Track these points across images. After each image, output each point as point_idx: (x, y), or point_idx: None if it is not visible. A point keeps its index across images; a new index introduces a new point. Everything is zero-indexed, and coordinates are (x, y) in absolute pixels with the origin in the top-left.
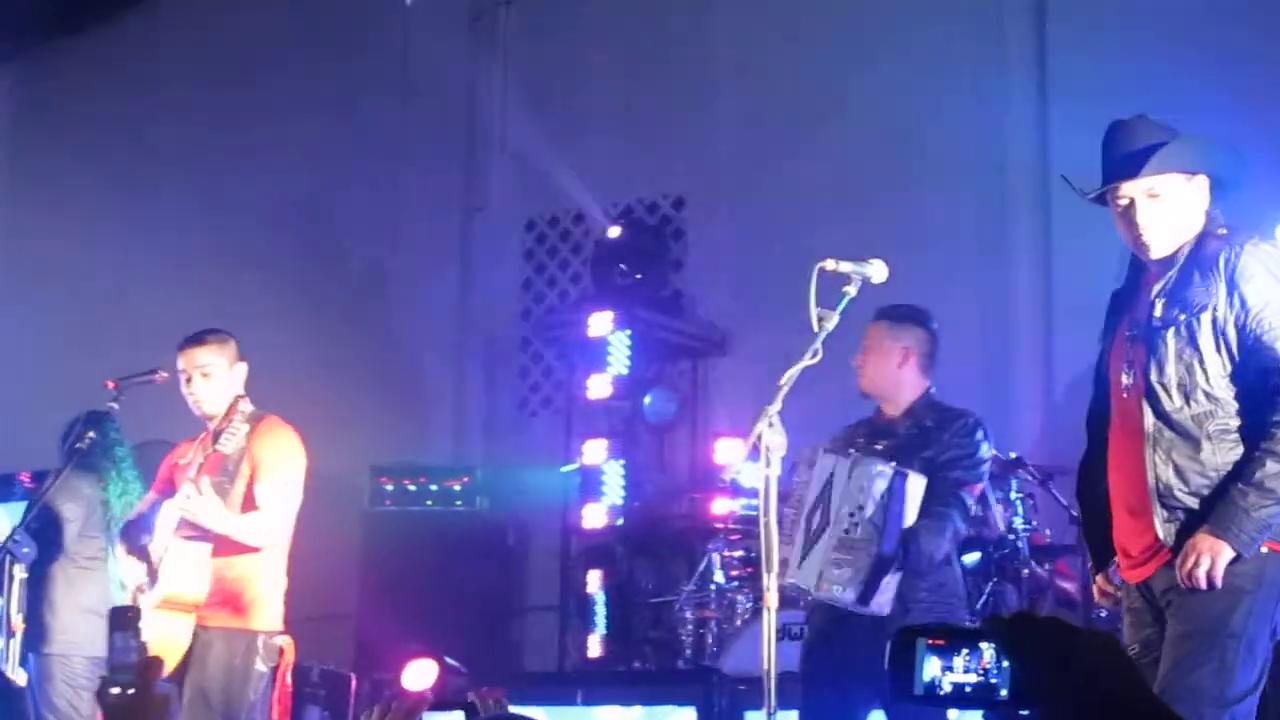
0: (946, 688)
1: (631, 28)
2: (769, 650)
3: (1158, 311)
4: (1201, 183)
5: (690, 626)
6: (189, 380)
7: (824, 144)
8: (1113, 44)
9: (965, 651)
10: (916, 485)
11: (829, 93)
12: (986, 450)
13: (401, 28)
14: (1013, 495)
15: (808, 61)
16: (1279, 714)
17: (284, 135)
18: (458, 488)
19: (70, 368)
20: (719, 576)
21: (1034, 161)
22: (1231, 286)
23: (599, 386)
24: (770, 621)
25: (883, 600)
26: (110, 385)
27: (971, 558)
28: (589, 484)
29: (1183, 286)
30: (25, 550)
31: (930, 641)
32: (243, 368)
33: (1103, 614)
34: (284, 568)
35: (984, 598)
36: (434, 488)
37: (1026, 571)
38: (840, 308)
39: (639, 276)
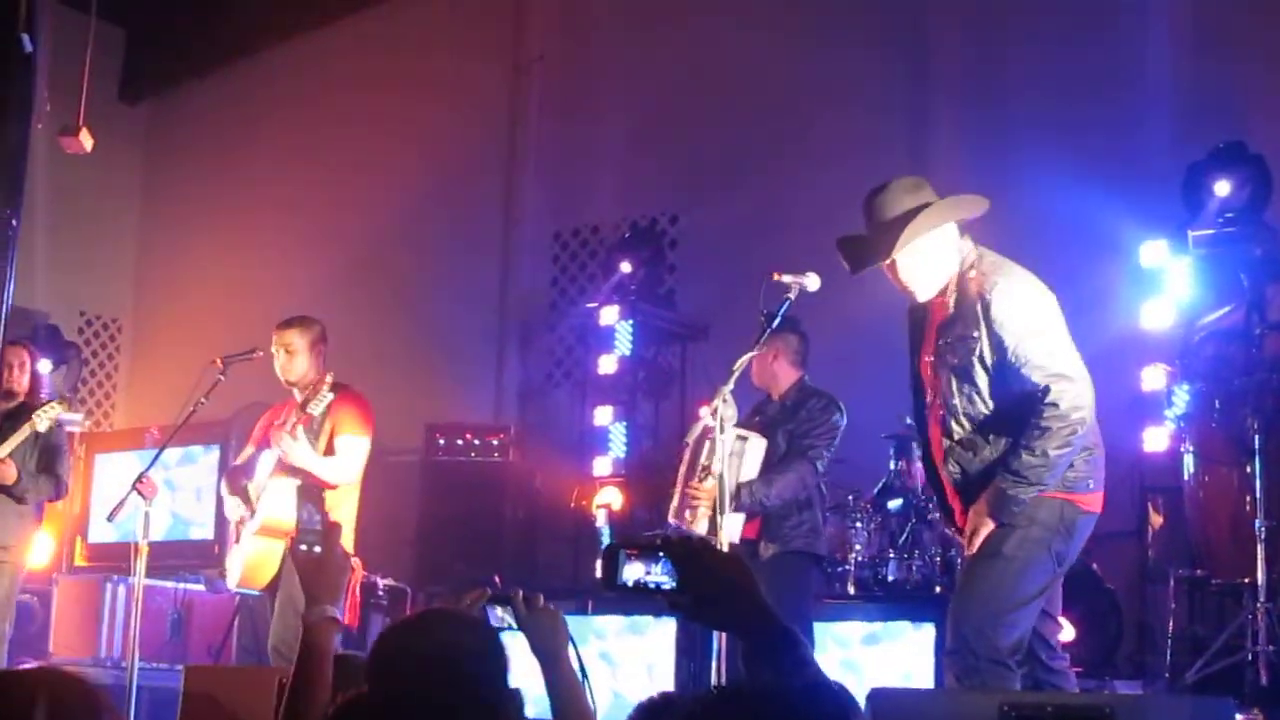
0: (641, 583)
1: (638, 79)
2: None
3: (941, 353)
4: (948, 229)
5: None
6: (276, 353)
7: (789, 171)
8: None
9: (651, 559)
10: (755, 447)
11: (795, 128)
12: (837, 421)
13: (456, 76)
14: None
15: (776, 102)
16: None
17: (364, 165)
18: (496, 442)
19: (192, 345)
20: (670, 519)
21: (955, 177)
22: (991, 332)
23: (608, 364)
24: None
25: (730, 533)
26: (217, 363)
27: (896, 503)
28: (598, 441)
29: (955, 330)
30: (150, 489)
31: (628, 551)
32: (321, 349)
33: None
34: (356, 504)
35: (905, 535)
36: (477, 442)
37: (937, 515)
38: (781, 310)
39: (641, 278)
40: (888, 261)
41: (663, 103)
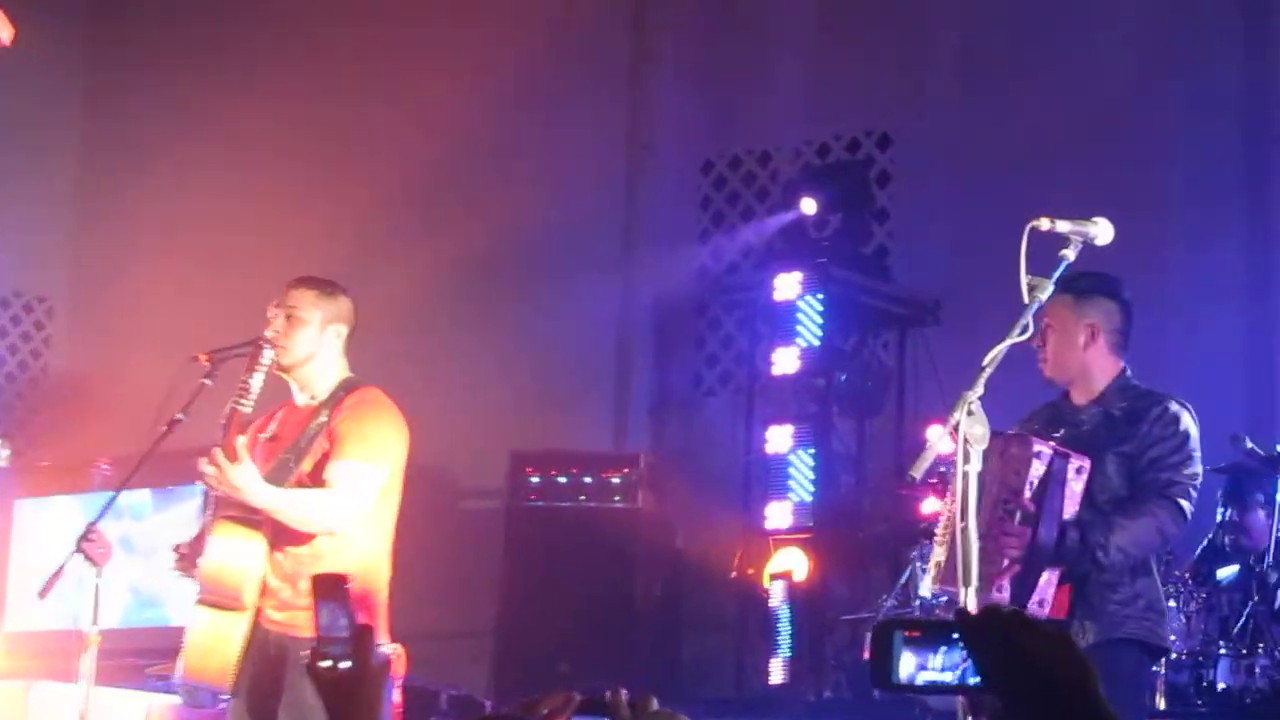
0: (920, 680)
1: None
2: None
3: None
4: None
5: None
6: (273, 319)
7: (1060, 77)
8: None
9: (942, 646)
10: (1080, 471)
11: (1066, 19)
12: (1196, 440)
13: None
14: (1279, 497)
15: None
16: None
17: (417, 70)
18: (617, 480)
19: (160, 338)
20: (926, 589)
21: None
22: None
23: (786, 361)
24: None
25: (1044, 599)
26: (202, 359)
27: (1227, 572)
28: (773, 477)
29: None
30: (101, 550)
31: (907, 634)
32: (342, 331)
33: None
34: (383, 564)
35: (1242, 620)
36: (589, 480)
37: None
38: (1056, 275)
39: (835, 229)
40: None
41: None
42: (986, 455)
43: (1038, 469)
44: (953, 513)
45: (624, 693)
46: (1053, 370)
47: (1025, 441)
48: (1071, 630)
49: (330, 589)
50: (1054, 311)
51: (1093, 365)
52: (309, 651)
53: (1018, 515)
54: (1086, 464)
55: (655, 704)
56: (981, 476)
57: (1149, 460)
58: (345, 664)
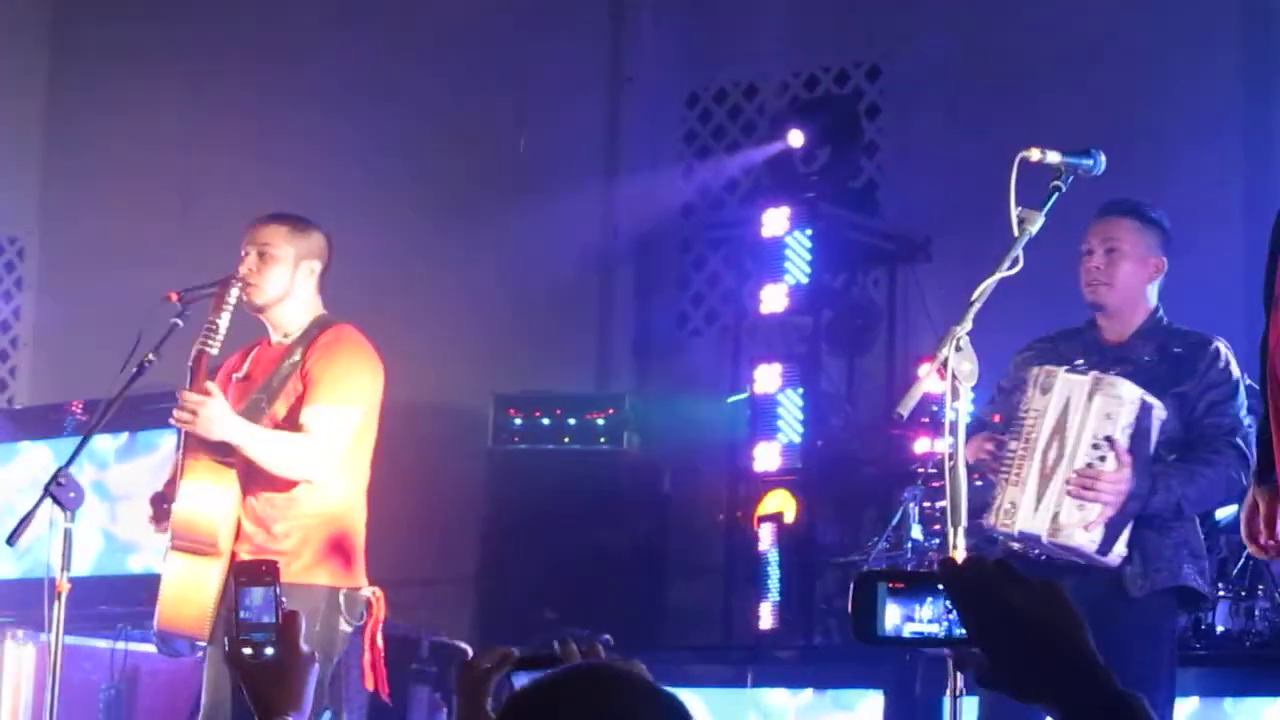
0: (907, 633)
1: None
2: None
3: None
4: None
5: None
6: (246, 256)
7: (1052, 5)
8: None
9: (927, 597)
10: (1158, 418)
11: None
12: (1243, 383)
13: None
14: None
15: None
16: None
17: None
18: (601, 422)
19: (133, 277)
20: (917, 532)
21: None
22: None
23: (774, 298)
24: None
25: (1121, 549)
26: (173, 298)
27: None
28: (761, 418)
29: None
30: (72, 495)
31: (891, 586)
32: (315, 267)
33: None
34: (358, 510)
35: (1241, 561)
36: (572, 422)
37: None
38: (1047, 207)
39: (823, 164)
40: None
41: None
42: (1068, 393)
43: (1129, 414)
44: (1020, 450)
45: (571, 642)
46: (1106, 295)
47: (1117, 384)
48: (1128, 576)
49: (256, 574)
50: (1121, 235)
51: (1145, 299)
52: (229, 639)
53: (1109, 461)
54: (1164, 411)
55: (603, 653)
56: (1064, 416)
57: (1208, 404)
58: (269, 651)
